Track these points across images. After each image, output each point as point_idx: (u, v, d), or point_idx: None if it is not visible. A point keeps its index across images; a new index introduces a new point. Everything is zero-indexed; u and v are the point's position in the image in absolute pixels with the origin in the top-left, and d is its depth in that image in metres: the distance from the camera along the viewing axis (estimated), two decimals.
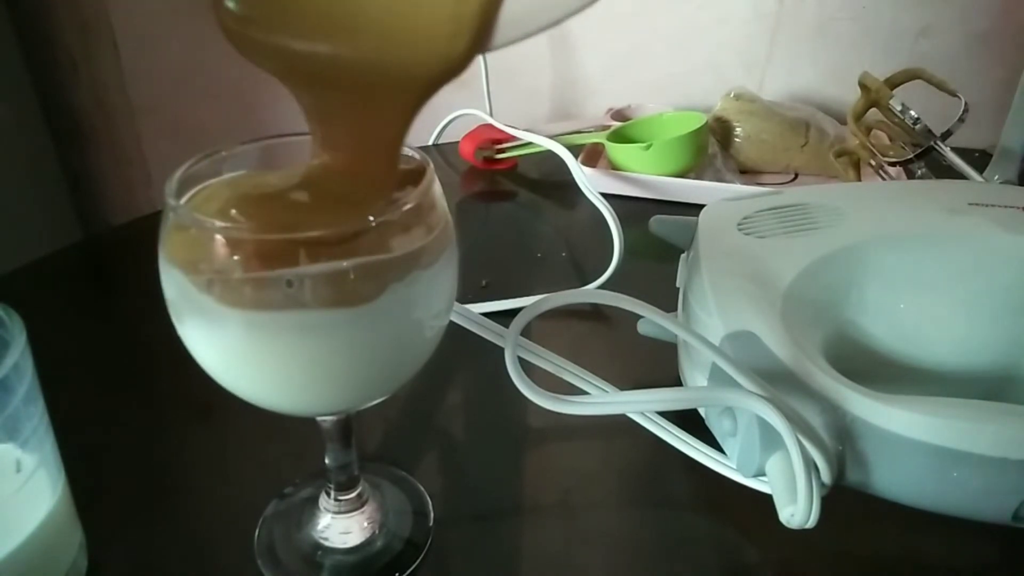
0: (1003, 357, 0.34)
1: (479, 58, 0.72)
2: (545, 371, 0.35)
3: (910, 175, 0.60)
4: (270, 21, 0.20)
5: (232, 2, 0.20)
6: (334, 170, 0.23)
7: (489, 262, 0.55)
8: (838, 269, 0.36)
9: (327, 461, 0.30)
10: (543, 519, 0.33)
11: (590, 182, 0.58)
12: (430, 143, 0.81)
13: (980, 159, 0.58)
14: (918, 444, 0.27)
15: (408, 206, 0.22)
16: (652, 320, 0.29)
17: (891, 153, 0.61)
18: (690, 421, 0.35)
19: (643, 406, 0.32)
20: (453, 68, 0.20)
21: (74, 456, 0.29)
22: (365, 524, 0.32)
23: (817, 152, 0.70)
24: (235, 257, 0.21)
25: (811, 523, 0.27)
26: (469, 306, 0.43)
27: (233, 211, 0.23)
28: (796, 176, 0.72)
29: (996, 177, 0.57)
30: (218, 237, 0.21)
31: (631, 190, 0.65)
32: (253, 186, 0.25)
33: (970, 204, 0.38)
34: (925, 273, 0.36)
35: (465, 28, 0.19)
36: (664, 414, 0.36)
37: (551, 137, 0.65)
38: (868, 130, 0.63)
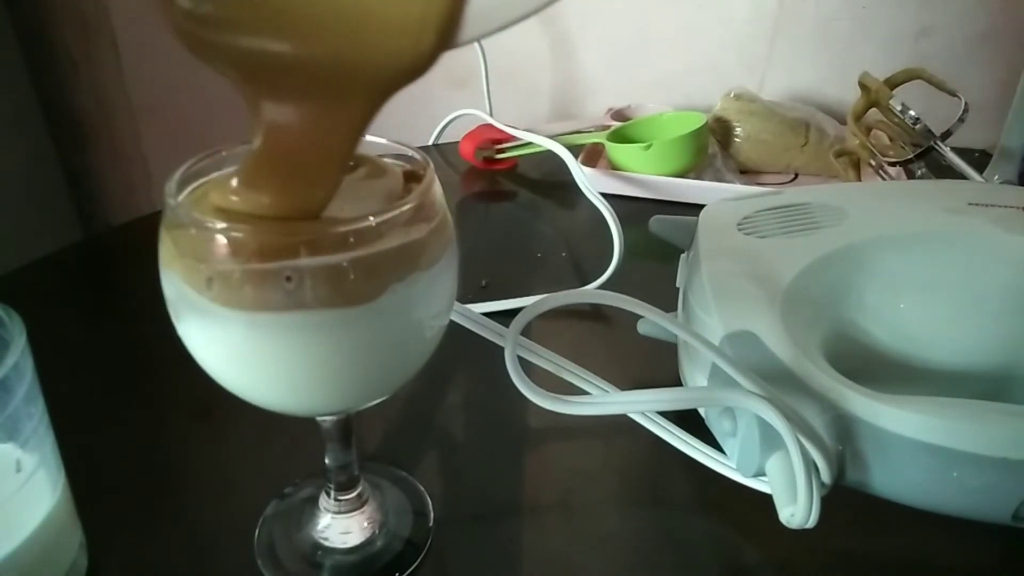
0: (1003, 357, 0.34)
1: (479, 58, 0.72)
2: (545, 371, 0.35)
3: (910, 175, 0.60)
4: (229, 20, 0.19)
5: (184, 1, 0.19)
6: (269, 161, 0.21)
7: (489, 262, 0.55)
8: (838, 269, 0.36)
9: (327, 461, 0.30)
10: (543, 519, 0.33)
11: (590, 182, 0.58)
12: (430, 143, 0.81)
13: (980, 159, 0.58)
14: (918, 444, 0.27)
15: (408, 206, 0.22)
16: (652, 320, 0.29)
17: (891, 153, 0.61)
18: (690, 421, 0.35)
19: (643, 406, 0.32)
20: (420, 67, 0.19)
21: (74, 456, 0.29)
22: (365, 524, 0.32)
23: (817, 152, 0.70)
24: (234, 256, 0.21)
25: (811, 523, 0.27)
26: (469, 306, 0.43)
27: (231, 207, 0.22)
28: (796, 176, 0.72)
29: (996, 177, 0.57)
30: (218, 236, 0.21)
31: (631, 190, 0.65)
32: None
33: (970, 204, 0.38)
34: (925, 273, 0.36)
35: (431, 26, 0.18)
36: (664, 414, 0.36)
37: (551, 137, 0.65)
38: (868, 130, 0.63)
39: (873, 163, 0.62)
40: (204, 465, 0.37)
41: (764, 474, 0.30)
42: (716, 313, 0.33)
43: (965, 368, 0.35)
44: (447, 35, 0.19)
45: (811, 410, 0.28)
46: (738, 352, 0.31)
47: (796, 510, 0.27)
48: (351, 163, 0.24)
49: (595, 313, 0.48)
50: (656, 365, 0.41)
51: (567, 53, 0.85)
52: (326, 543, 0.31)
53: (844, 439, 0.28)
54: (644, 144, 0.64)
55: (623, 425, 0.37)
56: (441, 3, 0.18)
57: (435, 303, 0.25)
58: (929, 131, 0.57)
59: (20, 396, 0.25)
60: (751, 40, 0.81)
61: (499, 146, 0.70)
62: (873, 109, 0.61)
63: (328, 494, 0.31)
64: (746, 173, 0.72)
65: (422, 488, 0.34)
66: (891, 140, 0.63)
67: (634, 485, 0.35)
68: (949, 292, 0.36)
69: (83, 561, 0.30)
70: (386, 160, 0.26)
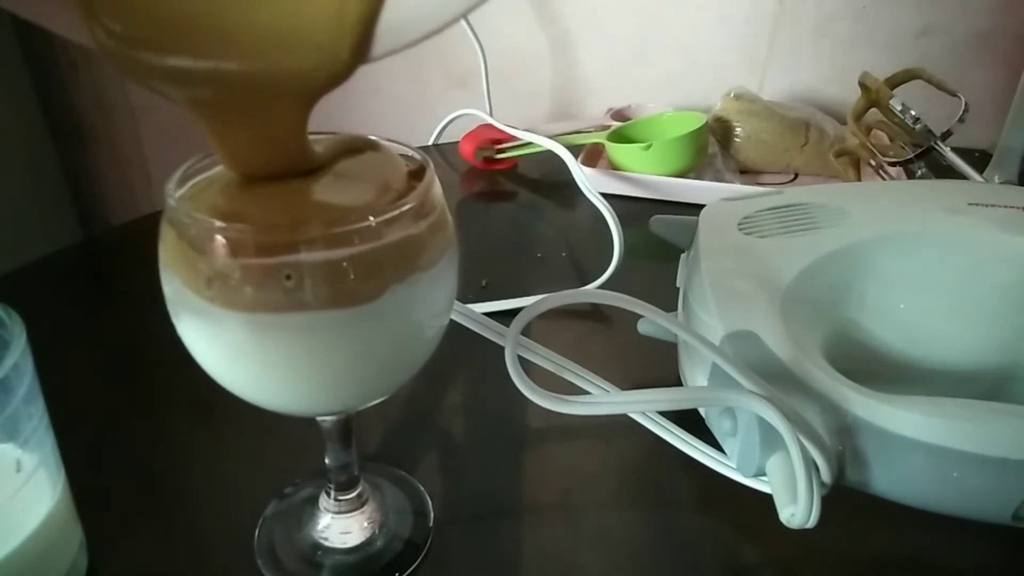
0: (1003, 357, 0.34)
1: (479, 58, 0.72)
2: (545, 371, 0.35)
3: (910, 175, 0.60)
4: (153, 42, 0.20)
5: (109, 21, 0.20)
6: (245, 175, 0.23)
7: (489, 262, 0.55)
8: (838, 269, 0.36)
9: (327, 461, 0.30)
10: (543, 519, 0.33)
11: (590, 182, 0.58)
12: (430, 143, 0.81)
13: (980, 159, 0.58)
14: (918, 444, 0.27)
15: (408, 206, 0.22)
16: (652, 320, 0.29)
17: (891, 153, 0.61)
18: (690, 421, 0.35)
19: (643, 406, 0.32)
20: (337, 78, 0.21)
21: (74, 456, 0.29)
22: (365, 524, 0.32)
23: (817, 152, 0.70)
24: (234, 255, 0.21)
25: (811, 523, 0.27)
26: (469, 306, 0.43)
27: (230, 204, 0.23)
28: (796, 176, 0.72)
29: (996, 177, 0.57)
30: (218, 235, 0.21)
31: (631, 190, 0.65)
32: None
33: (970, 204, 0.38)
34: (925, 273, 0.36)
35: (346, 42, 0.20)
36: (664, 414, 0.36)
37: (551, 137, 0.65)
38: (868, 130, 0.63)
39: (873, 163, 0.62)
40: (204, 465, 0.37)
41: (764, 474, 0.30)
42: (716, 313, 0.33)
43: (965, 368, 0.35)
44: (360, 52, 0.20)
45: (811, 410, 0.28)
46: (738, 352, 0.31)
47: (796, 510, 0.27)
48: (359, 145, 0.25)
49: (595, 313, 0.48)
50: (656, 365, 0.41)
51: (567, 53, 0.85)
52: (326, 543, 0.31)
53: (844, 439, 0.28)
54: (644, 144, 0.64)
55: (623, 425, 0.37)
56: (353, 26, 0.20)
57: (435, 303, 0.25)
58: (929, 131, 0.57)
59: (20, 396, 0.25)
60: (751, 40, 0.81)
61: (499, 146, 0.70)
62: (873, 109, 0.61)
63: (328, 494, 0.31)
64: (746, 173, 0.72)
65: (422, 488, 0.34)
66: (891, 140, 0.63)
67: (634, 485, 0.35)
68: (949, 292, 0.36)
69: (83, 561, 0.30)
70: (393, 151, 0.26)
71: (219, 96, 0.21)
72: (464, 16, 0.20)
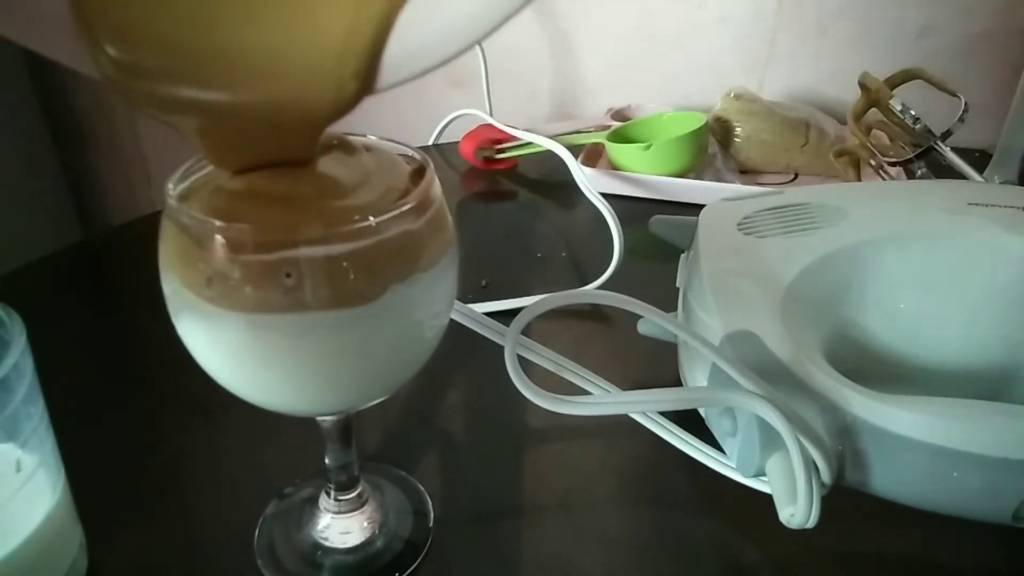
0: (1003, 357, 0.34)
1: (479, 58, 0.72)
2: (545, 371, 0.35)
3: (910, 175, 0.60)
4: (158, 70, 0.20)
5: (113, 50, 0.19)
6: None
7: (489, 262, 0.55)
8: (838, 269, 0.36)
9: (327, 461, 0.30)
10: (543, 519, 0.33)
11: (590, 182, 0.58)
12: (430, 143, 0.81)
13: (980, 159, 0.58)
14: (918, 444, 0.27)
15: (408, 206, 0.22)
16: (652, 320, 0.29)
17: (891, 153, 0.61)
18: (690, 421, 0.35)
19: (643, 406, 0.32)
20: (342, 110, 0.21)
21: (74, 456, 0.29)
22: (365, 524, 0.32)
23: (817, 152, 0.70)
24: (234, 253, 0.21)
25: (811, 523, 0.27)
26: (469, 306, 0.43)
27: (230, 203, 0.23)
28: (796, 176, 0.72)
29: (996, 177, 0.57)
30: (217, 235, 0.21)
31: (631, 190, 0.65)
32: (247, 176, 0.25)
33: (970, 204, 0.38)
34: (925, 273, 0.36)
35: (350, 77, 0.20)
36: (664, 414, 0.36)
37: (551, 137, 0.65)
38: (868, 130, 0.63)
39: (873, 163, 0.62)
40: (204, 465, 0.37)
41: (764, 474, 0.29)
42: (716, 313, 0.33)
43: (965, 368, 0.35)
44: (365, 86, 0.21)
45: (811, 410, 0.28)
46: (738, 352, 0.31)
47: (796, 510, 0.27)
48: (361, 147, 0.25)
49: (595, 313, 0.48)
50: (656, 365, 0.41)
51: (567, 53, 0.85)
52: (326, 543, 0.31)
53: (844, 439, 0.28)
54: (644, 144, 0.64)
55: (623, 425, 0.37)
56: (357, 60, 0.20)
57: (435, 304, 0.25)
58: (929, 131, 0.57)
59: (20, 396, 0.25)
60: (751, 40, 0.81)
61: (499, 146, 0.70)
62: (873, 109, 0.61)
63: (328, 494, 0.31)
64: (746, 173, 0.72)
65: (422, 488, 0.34)
66: (891, 140, 0.63)
67: (634, 485, 0.35)
68: (949, 292, 0.36)
69: (83, 561, 0.30)
70: (392, 151, 0.26)
71: (224, 126, 0.21)
72: (466, 51, 0.20)
